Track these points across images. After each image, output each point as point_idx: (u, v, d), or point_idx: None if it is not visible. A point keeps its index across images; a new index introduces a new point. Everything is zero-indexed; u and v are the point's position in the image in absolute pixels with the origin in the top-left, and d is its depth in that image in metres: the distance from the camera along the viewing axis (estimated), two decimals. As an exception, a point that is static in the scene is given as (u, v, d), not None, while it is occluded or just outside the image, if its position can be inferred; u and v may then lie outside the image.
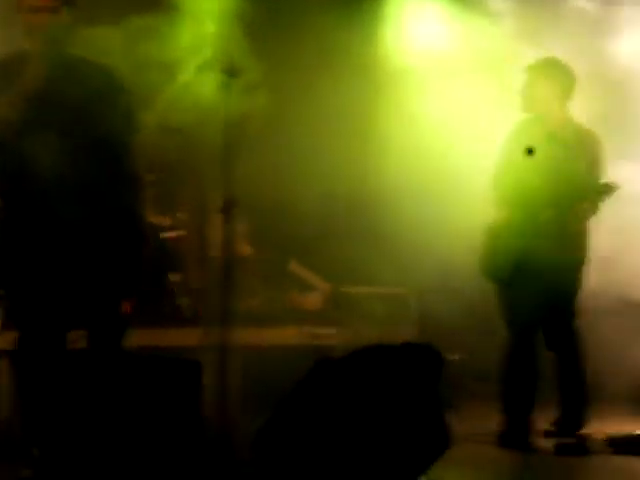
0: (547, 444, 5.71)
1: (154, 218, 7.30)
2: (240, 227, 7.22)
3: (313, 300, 7.54)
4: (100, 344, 4.61)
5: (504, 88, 6.77)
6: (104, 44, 5.14)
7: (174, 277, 7.20)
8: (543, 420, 6.04)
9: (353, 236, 7.58)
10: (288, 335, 6.71)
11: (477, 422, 6.14)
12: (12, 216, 4.59)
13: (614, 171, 6.02)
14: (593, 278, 6.19)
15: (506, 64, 6.92)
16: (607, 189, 5.77)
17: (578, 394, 6.02)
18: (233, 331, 5.45)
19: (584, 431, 5.94)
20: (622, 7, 7.14)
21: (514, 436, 5.82)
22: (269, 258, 7.65)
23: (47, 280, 4.49)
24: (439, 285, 7.35)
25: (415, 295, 7.39)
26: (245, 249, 7.60)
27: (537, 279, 5.89)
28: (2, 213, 4.69)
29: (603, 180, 5.89)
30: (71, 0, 4.59)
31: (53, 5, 4.50)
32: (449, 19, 7.46)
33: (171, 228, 7.55)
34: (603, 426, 6.02)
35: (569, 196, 5.84)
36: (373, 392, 4.40)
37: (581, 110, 6.23)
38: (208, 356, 5.73)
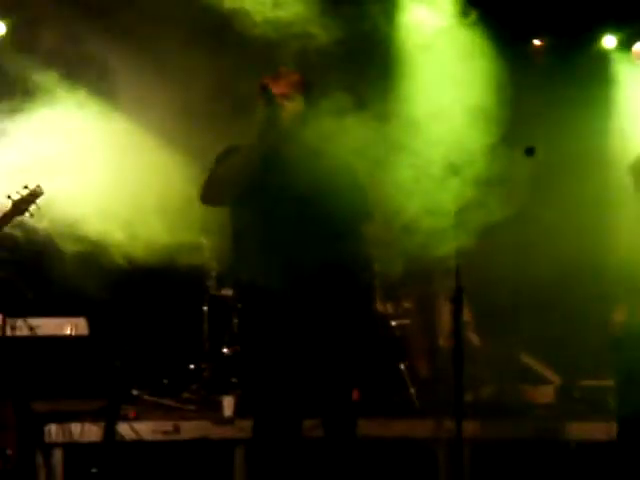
0: None
1: (380, 306, 7.29)
2: (466, 315, 7.14)
3: (545, 393, 7.28)
4: (335, 432, 4.55)
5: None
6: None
7: (402, 366, 7.11)
8: None
9: (584, 327, 7.31)
10: (522, 428, 6.46)
11: None
12: (249, 305, 4.63)
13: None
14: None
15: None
16: None
17: None
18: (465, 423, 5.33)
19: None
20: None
21: None
22: (498, 348, 7.46)
23: (284, 368, 4.49)
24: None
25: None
26: (473, 338, 7.46)
27: None
28: (238, 302, 4.75)
29: None
30: (307, 91, 4.63)
31: (287, 92, 4.56)
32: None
33: (396, 316, 7.51)
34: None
35: None
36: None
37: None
38: (439, 449, 5.63)
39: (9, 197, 5.67)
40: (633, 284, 5.52)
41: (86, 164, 6.89)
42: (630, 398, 5.43)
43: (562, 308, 7.53)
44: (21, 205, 5.67)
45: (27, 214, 5.69)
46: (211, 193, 4.52)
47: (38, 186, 5.74)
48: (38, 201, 5.71)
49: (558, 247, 7.07)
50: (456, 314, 5.80)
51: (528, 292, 7.43)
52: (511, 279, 7.28)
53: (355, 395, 4.88)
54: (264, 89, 4.48)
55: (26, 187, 5.70)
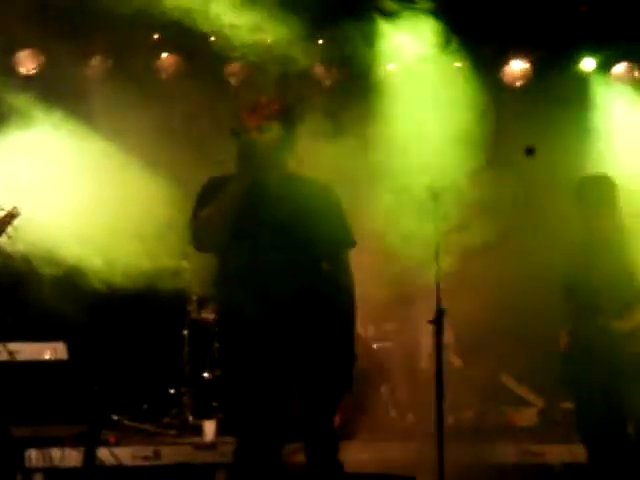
0: None
1: (361, 329, 7.28)
2: (447, 338, 7.14)
3: (528, 416, 7.27)
4: (317, 457, 4.52)
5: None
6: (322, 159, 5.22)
7: (384, 389, 7.10)
8: None
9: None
10: (504, 452, 6.44)
11: None
12: (229, 326, 4.61)
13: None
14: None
15: None
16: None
17: None
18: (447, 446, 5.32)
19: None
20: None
21: None
22: (479, 371, 7.46)
23: (265, 391, 4.47)
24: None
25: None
26: (455, 360, 7.46)
27: None
28: (219, 323, 4.73)
29: None
30: (285, 117, 4.61)
31: (261, 124, 4.54)
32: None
33: (378, 339, 7.51)
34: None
35: None
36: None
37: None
38: (422, 472, 5.60)
39: None
40: (577, 302, 5.54)
41: (63, 187, 6.89)
42: (590, 417, 5.44)
43: (544, 330, 7.53)
44: None
45: (4, 236, 5.64)
46: (203, 243, 4.53)
47: (15, 207, 5.69)
48: (15, 222, 5.67)
49: (540, 269, 7.08)
50: (437, 335, 5.81)
51: (510, 314, 7.43)
52: (493, 301, 7.28)
53: (336, 420, 4.85)
54: (234, 134, 4.47)
55: (2, 209, 5.66)
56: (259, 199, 4.50)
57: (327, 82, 8.03)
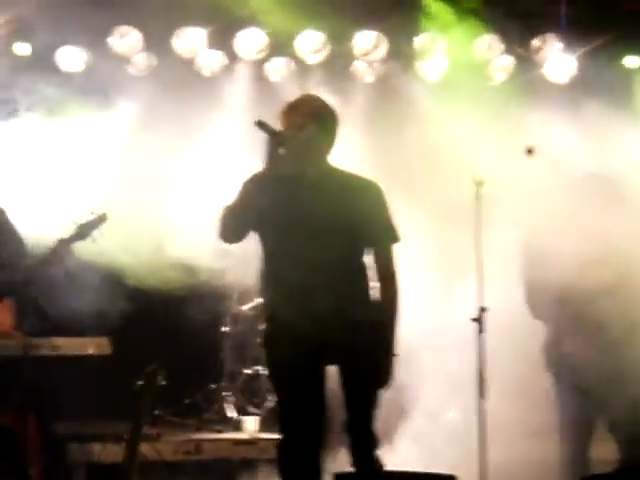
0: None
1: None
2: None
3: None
4: (357, 454, 4.52)
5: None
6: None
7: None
8: None
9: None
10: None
11: None
12: (274, 325, 4.62)
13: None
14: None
15: None
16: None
17: None
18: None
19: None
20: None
21: None
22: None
23: (308, 387, 4.47)
24: None
25: None
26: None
27: None
28: (264, 319, 4.74)
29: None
30: (324, 116, 4.61)
31: (299, 122, 4.54)
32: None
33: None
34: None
35: None
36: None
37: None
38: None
39: (75, 222, 5.65)
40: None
41: (105, 184, 6.93)
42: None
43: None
44: (85, 230, 5.64)
45: (89, 239, 5.66)
46: (224, 235, 4.53)
47: (105, 213, 5.73)
48: (102, 227, 5.69)
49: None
50: (479, 333, 5.80)
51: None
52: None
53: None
54: (258, 125, 4.45)
55: (92, 212, 5.70)
56: (300, 196, 4.50)
57: (368, 78, 8.01)
